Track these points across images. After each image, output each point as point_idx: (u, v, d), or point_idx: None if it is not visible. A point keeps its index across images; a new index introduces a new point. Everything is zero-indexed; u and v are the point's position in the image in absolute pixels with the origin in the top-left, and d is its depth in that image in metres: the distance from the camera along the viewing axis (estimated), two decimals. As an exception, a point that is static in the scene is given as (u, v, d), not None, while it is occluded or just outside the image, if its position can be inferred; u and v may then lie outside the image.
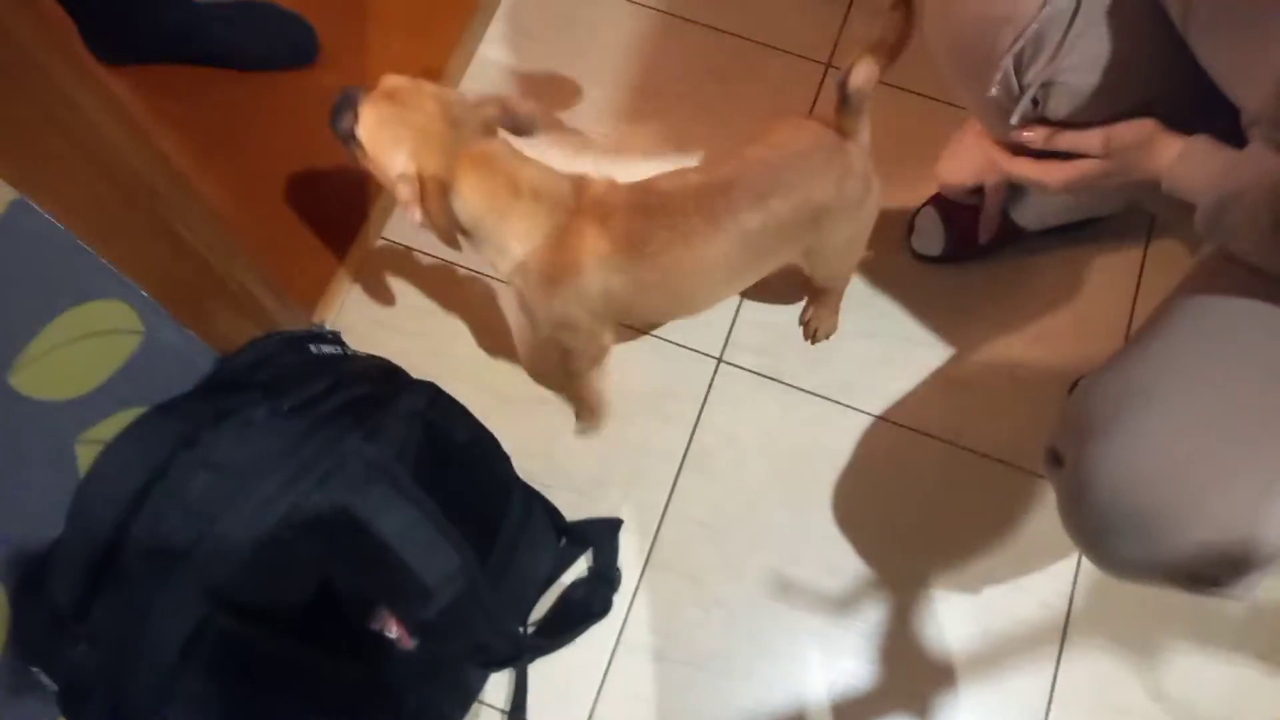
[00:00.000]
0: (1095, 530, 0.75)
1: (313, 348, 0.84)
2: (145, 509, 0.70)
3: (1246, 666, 1.06)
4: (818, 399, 1.17)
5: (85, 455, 0.73)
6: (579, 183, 0.92)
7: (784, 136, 0.93)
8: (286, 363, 0.82)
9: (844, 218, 0.95)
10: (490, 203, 0.87)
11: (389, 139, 0.86)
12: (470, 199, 0.86)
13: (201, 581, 0.71)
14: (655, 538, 1.11)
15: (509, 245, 0.89)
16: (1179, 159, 0.77)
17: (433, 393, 0.86)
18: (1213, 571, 0.70)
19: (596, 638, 1.06)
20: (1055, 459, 0.80)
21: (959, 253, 1.23)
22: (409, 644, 0.86)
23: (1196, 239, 0.80)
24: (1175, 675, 1.05)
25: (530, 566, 1.01)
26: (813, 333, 1.21)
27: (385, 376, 0.86)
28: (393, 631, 0.86)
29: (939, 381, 1.19)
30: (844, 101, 0.89)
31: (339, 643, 0.81)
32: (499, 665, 0.97)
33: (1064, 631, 1.07)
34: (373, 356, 0.89)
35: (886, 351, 1.20)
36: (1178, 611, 1.07)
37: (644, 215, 0.89)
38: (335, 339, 0.88)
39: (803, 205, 0.91)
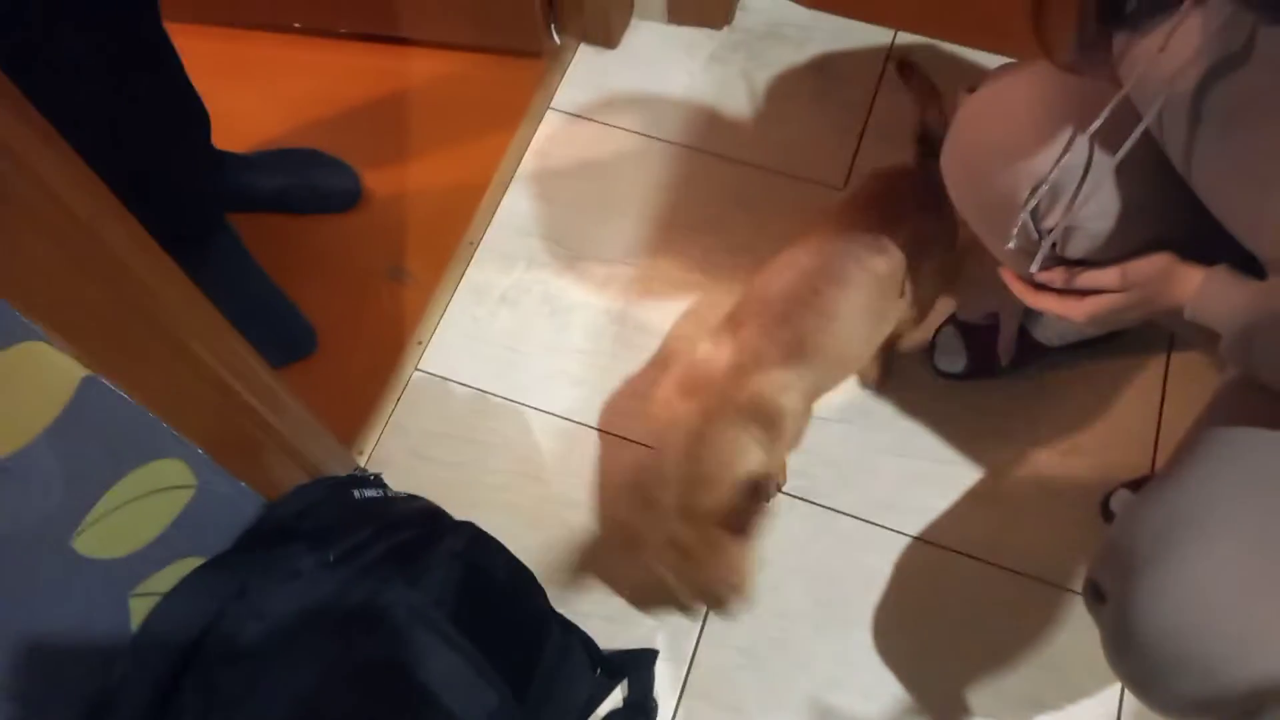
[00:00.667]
0: (1144, 671, 0.74)
1: (355, 493, 0.87)
2: (198, 663, 0.72)
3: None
4: (851, 519, 1.18)
5: (138, 608, 0.75)
6: (707, 370, 0.95)
7: (873, 188, 1.05)
8: (330, 510, 0.84)
9: (944, 240, 1.06)
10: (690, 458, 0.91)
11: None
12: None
13: (249, 734, 0.73)
14: (691, 665, 1.10)
15: (747, 456, 0.92)
16: (1201, 290, 0.79)
17: (472, 534, 0.89)
18: (1259, 710, 0.69)
19: (635, 773, 1.05)
20: (1097, 593, 0.80)
21: (982, 370, 1.25)
22: (448, 788, 0.86)
23: (1218, 354, 0.81)
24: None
25: (567, 700, 1.00)
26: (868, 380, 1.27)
27: (426, 519, 0.88)
28: (432, 776, 0.86)
29: (972, 499, 1.19)
30: (925, 142, 1.06)
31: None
32: (538, 805, 0.96)
33: (1114, 758, 1.05)
34: (413, 497, 0.91)
35: (918, 470, 1.20)
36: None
37: (782, 322, 0.95)
38: (377, 482, 0.91)
39: (912, 239, 1.00)
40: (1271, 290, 0.75)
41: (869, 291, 0.97)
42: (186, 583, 0.75)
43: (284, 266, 1.32)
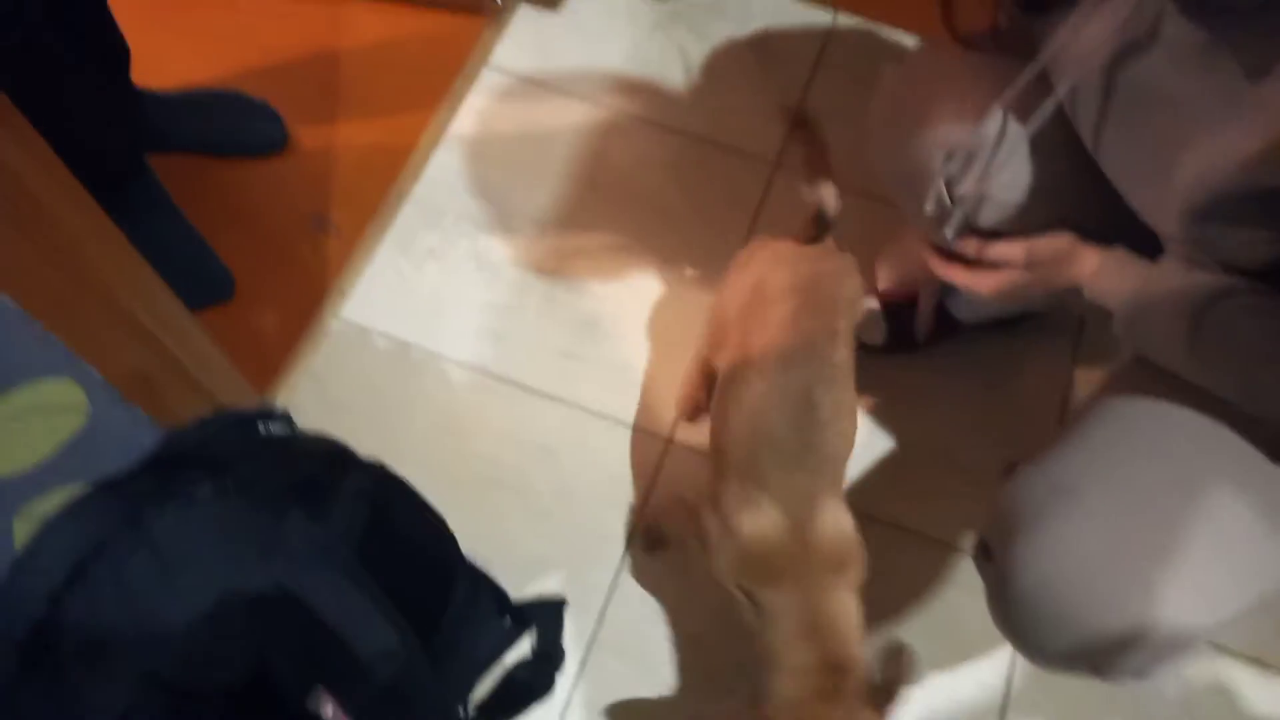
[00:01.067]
0: (1017, 622, 0.78)
1: (260, 427, 0.85)
2: (81, 588, 0.70)
3: (1181, 751, 1.08)
4: (764, 483, 1.20)
5: (22, 531, 0.73)
6: (777, 547, 0.89)
7: (784, 280, 0.98)
8: (233, 442, 0.82)
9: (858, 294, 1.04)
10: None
11: None
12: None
13: (135, 665, 0.71)
14: (600, 619, 1.11)
15: (856, 614, 0.89)
16: (1098, 271, 0.82)
17: (380, 473, 0.87)
18: (1121, 657, 0.73)
19: (540, 718, 1.05)
20: (986, 552, 0.84)
21: (900, 345, 1.28)
22: (345, 726, 0.85)
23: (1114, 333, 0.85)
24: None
25: (473, 647, 1.00)
26: None
27: (332, 456, 0.86)
28: (330, 713, 0.85)
29: (881, 468, 1.22)
30: (821, 222, 1.02)
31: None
32: (439, 748, 0.96)
33: (1002, 713, 1.08)
34: (321, 436, 0.90)
35: (830, 437, 1.23)
36: (1115, 695, 1.09)
37: (805, 451, 0.90)
38: (284, 418, 0.89)
39: (848, 308, 0.98)
40: (1160, 271, 0.79)
41: (844, 379, 0.95)
42: (74, 504, 0.72)
43: (202, 210, 1.29)
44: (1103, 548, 0.74)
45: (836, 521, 0.90)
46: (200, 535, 0.73)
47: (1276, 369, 0.72)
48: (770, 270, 1.00)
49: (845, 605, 0.87)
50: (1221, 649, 1.12)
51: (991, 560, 0.82)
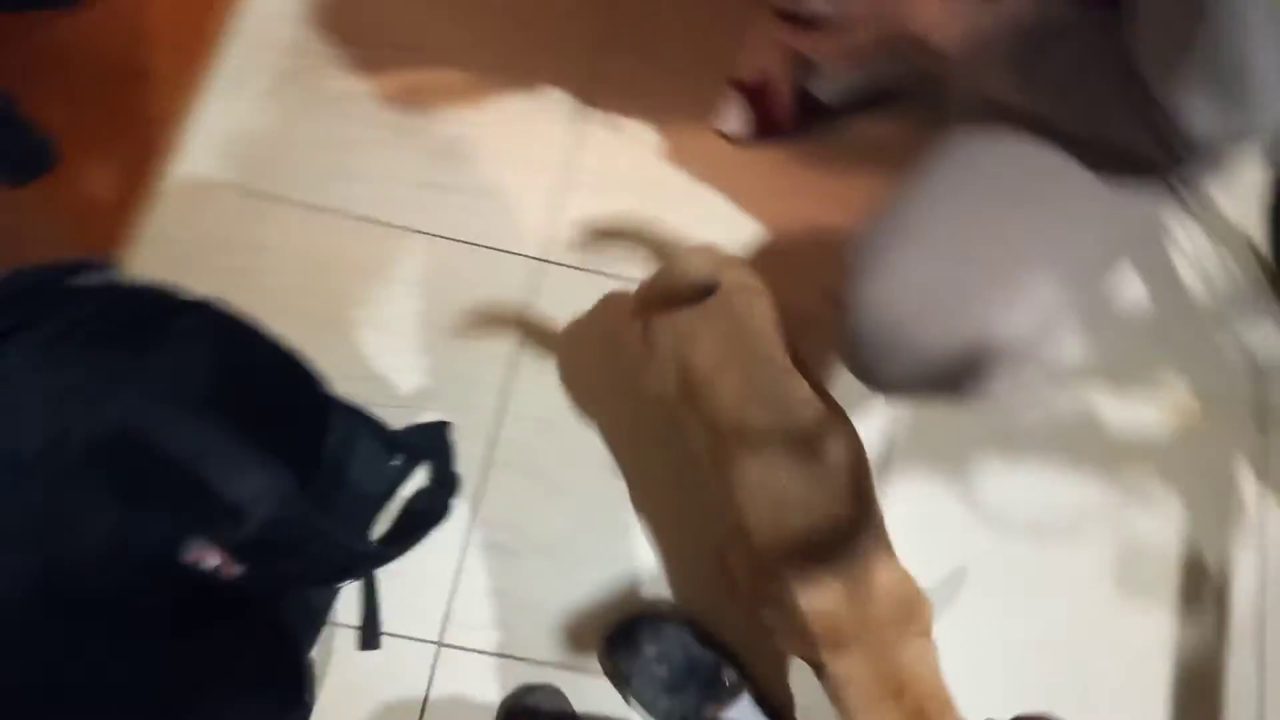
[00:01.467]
0: (860, 357, 0.81)
1: (77, 278, 0.81)
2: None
3: (1049, 474, 1.17)
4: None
5: None
6: (843, 619, 0.80)
7: (709, 350, 0.87)
8: (49, 289, 0.78)
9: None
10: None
11: None
12: None
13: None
14: (492, 439, 1.12)
15: (935, 655, 0.81)
16: (940, 13, 0.81)
17: (215, 311, 0.84)
18: (963, 376, 0.76)
19: (444, 543, 1.07)
20: (837, 304, 0.85)
21: (765, 133, 1.25)
22: (233, 571, 0.85)
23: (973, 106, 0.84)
24: (986, 487, 1.15)
25: (361, 483, 1.00)
26: None
27: (159, 298, 0.82)
28: (212, 561, 0.85)
29: (756, 252, 1.22)
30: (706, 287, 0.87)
31: (149, 581, 0.79)
32: (340, 578, 0.97)
33: (886, 464, 1.15)
34: (145, 280, 0.85)
35: (702, 234, 1.22)
36: (987, 433, 1.17)
37: (823, 514, 0.82)
38: (101, 266, 0.84)
39: (775, 331, 0.88)
40: (998, 6, 0.77)
41: (843, 430, 0.85)
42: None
43: (7, 74, 1.18)
44: (937, 273, 0.76)
45: (892, 573, 0.82)
46: (18, 384, 0.70)
47: (1108, 104, 0.72)
48: (690, 349, 0.88)
49: (922, 654, 0.80)
50: (1074, 373, 1.20)
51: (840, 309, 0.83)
